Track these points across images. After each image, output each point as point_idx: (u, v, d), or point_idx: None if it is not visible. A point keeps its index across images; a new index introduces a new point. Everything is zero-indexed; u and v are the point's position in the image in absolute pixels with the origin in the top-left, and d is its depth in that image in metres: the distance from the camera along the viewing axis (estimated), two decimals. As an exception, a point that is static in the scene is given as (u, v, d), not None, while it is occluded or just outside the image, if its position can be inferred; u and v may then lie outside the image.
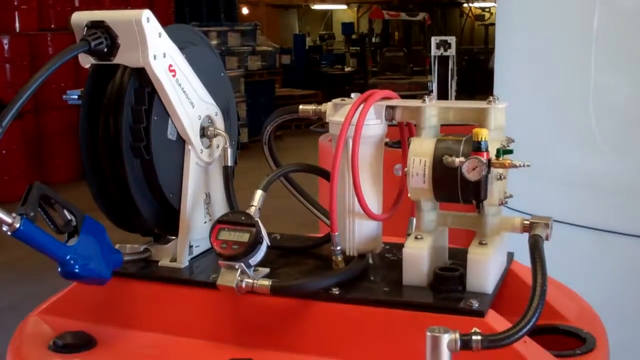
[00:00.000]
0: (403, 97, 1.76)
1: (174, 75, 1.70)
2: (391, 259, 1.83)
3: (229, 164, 1.84)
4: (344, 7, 25.08)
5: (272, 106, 12.90)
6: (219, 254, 1.61)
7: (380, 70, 15.42)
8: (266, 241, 1.64)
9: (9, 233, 1.48)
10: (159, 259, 1.82)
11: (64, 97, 9.25)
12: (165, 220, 1.82)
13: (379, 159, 1.71)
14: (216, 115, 1.89)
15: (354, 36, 23.20)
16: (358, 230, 1.71)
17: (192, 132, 1.79)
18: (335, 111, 1.71)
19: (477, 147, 1.51)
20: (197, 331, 1.66)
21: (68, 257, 1.56)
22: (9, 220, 1.46)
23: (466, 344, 1.35)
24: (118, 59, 1.63)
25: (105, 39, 1.59)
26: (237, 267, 1.60)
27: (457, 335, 1.34)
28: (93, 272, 1.61)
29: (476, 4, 23.01)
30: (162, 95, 1.69)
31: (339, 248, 1.68)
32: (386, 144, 4.88)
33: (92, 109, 1.72)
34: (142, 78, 1.68)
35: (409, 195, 1.65)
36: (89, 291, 1.73)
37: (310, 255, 1.88)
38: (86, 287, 1.71)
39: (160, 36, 1.65)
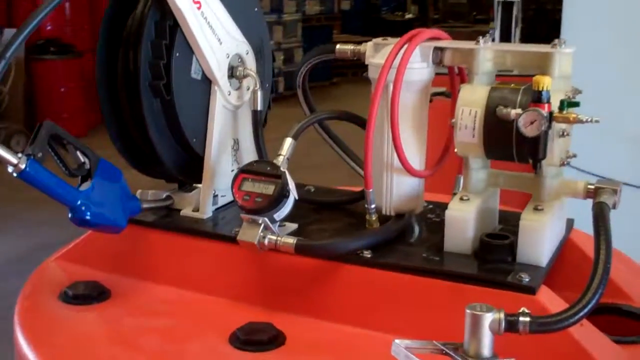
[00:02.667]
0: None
1: (198, 8, 1.53)
2: (434, 221, 1.65)
3: (259, 108, 1.68)
4: (410, -49, 24.27)
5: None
6: (241, 206, 1.46)
7: (442, 17, 14.87)
8: (293, 195, 1.48)
9: (14, 174, 1.37)
10: (181, 208, 1.69)
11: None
12: (189, 167, 1.67)
13: (424, 108, 1.53)
14: (247, 54, 1.72)
15: (416, -18, 22.48)
16: (396, 187, 1.54)
17: (219, 72, 1.62)
18: (376, 52, 1.52)
19: (537, 98, 1.31)
20: (216, 288, 1.53)
21: (79, 202, 1.44)
22: (14, 160, 1.34)
23: (512, 326, 1.17)
24: (139, -12, 1.47)
25: (125, -36, 1.43)
26: (260, 221, 1.45)
27: (502, 315, 1.17)
28: (107, 219, 1.49)
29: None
30: (185, 29, 1.53)
31: (373, 206, 1.51)
32: (442, 93, 4.61)
33: (111, 41, 1.57)
34: (164, 10, 1.52)
35: (455, 150, 1.46)
36: (107, 239, 1.61)
37: (346, 212, 1.72)
38: (104, 234, 1.60)
39: (184, -38, 1.48)
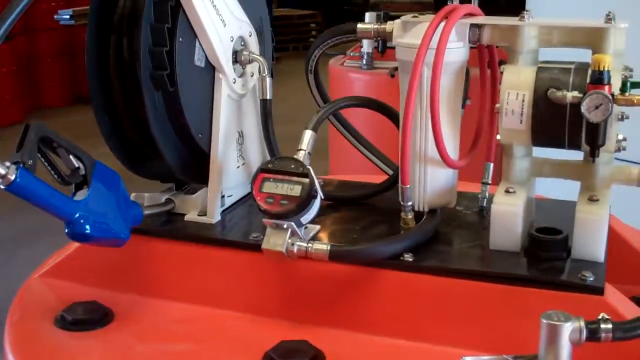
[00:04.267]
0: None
1: (202, -15, 1.35)
2: (464, 213, 1.52)
3: (268, 97, 1.50)
4: None
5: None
6: (264, 210, 1.29)
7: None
8: (320, 194, 1.33)
9: (1, 187, 1.16)
10: (184, 212, 1.50)
11: (55, 17, 8.75)
12: (192, 166, 1.49)
13: (458, 92, 1.38)
14: (250, 36, 1.54)
15: (353, -47, 22.26)
16: (431, 181, 1.39)
17: (224, 57, 1.44)
18: (405, 31, 1.36)
19: (598, 79, 1.18)
20: (236, 302, 1.36)
21: (77, 215, 1.25)
22: (1, 171, 1.14)
23: (593, 334, 1.05)
24: (133, -37, 1.27)
25: (117, -64, 1.23)
26: (286, 226, 1.29)
27: (582, 324, 1.04)
28: (108, 232, 1.30)
29: None
30: (189, 10, 1.34)
31: (410, 203, 1.36)
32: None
33: (102, 27, 1.36)
34: (163, -12, 1.32)
35: (498, 137, 1.33)
36: (101, 251, 1.41)
37: (366, 208, 1.57)
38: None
39: None
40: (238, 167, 1.56)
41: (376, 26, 1.41)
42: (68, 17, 8.66)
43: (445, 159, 1.34)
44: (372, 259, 1.29)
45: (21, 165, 1.17)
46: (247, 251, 1.37)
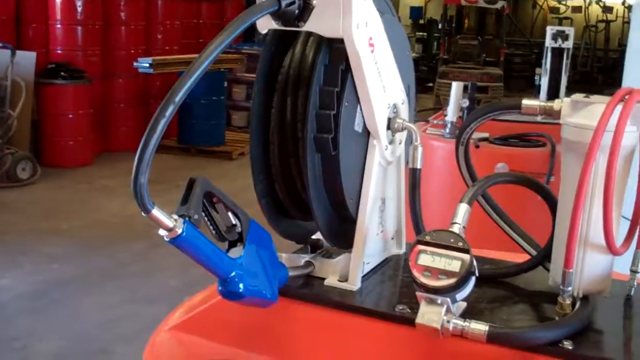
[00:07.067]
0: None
1: (372, 51, 1.34)
2: (612, 302, 1.45)
3: (419, 166, 1.49)
4: (412, -9, 24.38)
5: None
6: (421, 284, 1.25)
7: (452, 58, 14.86)
8: (476, 272, 1.28)
9: (167, 239, 1.15)
10: (324, 276, 1.47)
11: (134, 64, 9.00)
12: (338, 230, 1.47)
13: (626, 178, 1.33)
14: (402, 104, 1.53)
15: (421, 21, 22.58)
16: (588, 266, 1.34)
17: (381, 124, 1.43)
18: (574, 110, 1.33)
19: None
20: (380, 376, 1.32)
21: (233, 273, 1.23)
22: (169, 224, 1.13)
23: None
24: (309, 26, 1.28)
25: (298, -2, 1.24)
26: (440, 302, 1.25)
27: None
28: (259, 292, 1.28)
29: (552, -4, 22.11)
30: (358, 76, 1.33)
31: (570, 288, 1.31)
32: (486, 139, 4.35)
33: (268, 87, 1.37)
34: (334, 52, 1.32)
35: None
36: (238, 309, 1.39)
37: (505, 286, 1.51)
38: (232, 303, 1.38)
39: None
40: (378, 234, 1.53)
41: (542, 103, 1.38)
42: (147, 65, 8.88)
43: (610, 246, 1.29)
44: (531, 344, 1.23)
45: (187, 219, 1.17)
46: (393, 323, 1.33)
